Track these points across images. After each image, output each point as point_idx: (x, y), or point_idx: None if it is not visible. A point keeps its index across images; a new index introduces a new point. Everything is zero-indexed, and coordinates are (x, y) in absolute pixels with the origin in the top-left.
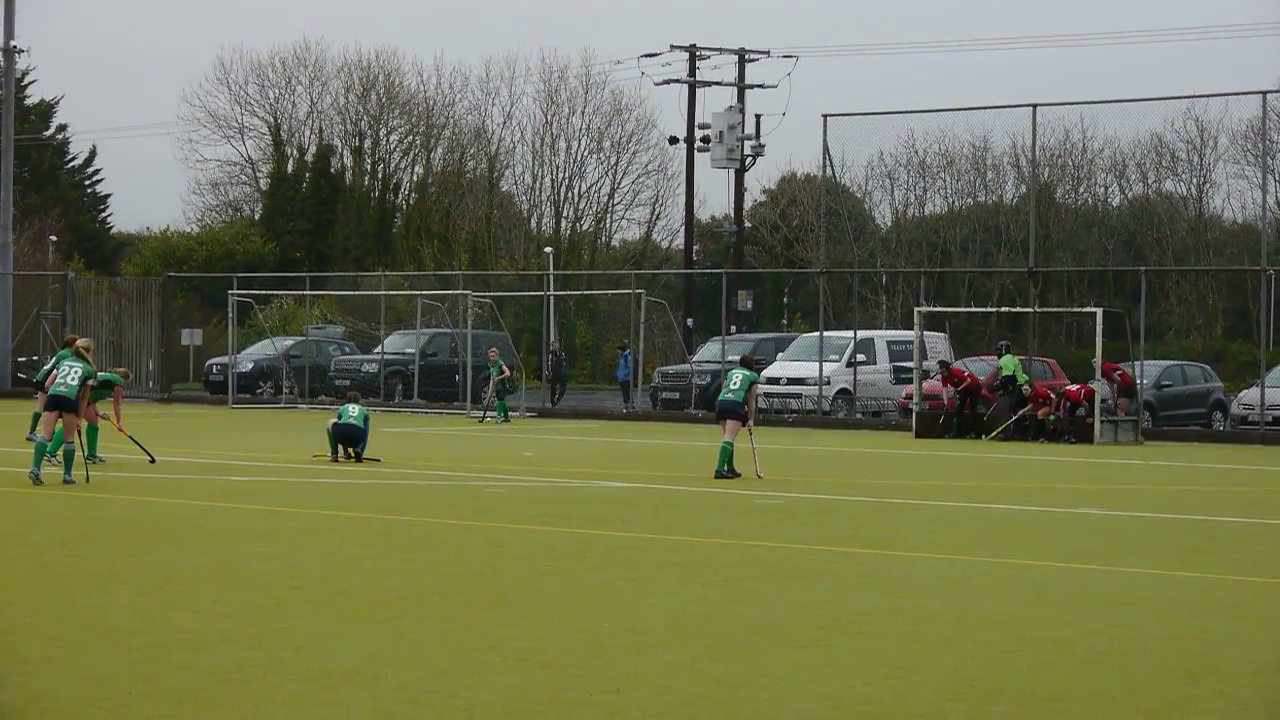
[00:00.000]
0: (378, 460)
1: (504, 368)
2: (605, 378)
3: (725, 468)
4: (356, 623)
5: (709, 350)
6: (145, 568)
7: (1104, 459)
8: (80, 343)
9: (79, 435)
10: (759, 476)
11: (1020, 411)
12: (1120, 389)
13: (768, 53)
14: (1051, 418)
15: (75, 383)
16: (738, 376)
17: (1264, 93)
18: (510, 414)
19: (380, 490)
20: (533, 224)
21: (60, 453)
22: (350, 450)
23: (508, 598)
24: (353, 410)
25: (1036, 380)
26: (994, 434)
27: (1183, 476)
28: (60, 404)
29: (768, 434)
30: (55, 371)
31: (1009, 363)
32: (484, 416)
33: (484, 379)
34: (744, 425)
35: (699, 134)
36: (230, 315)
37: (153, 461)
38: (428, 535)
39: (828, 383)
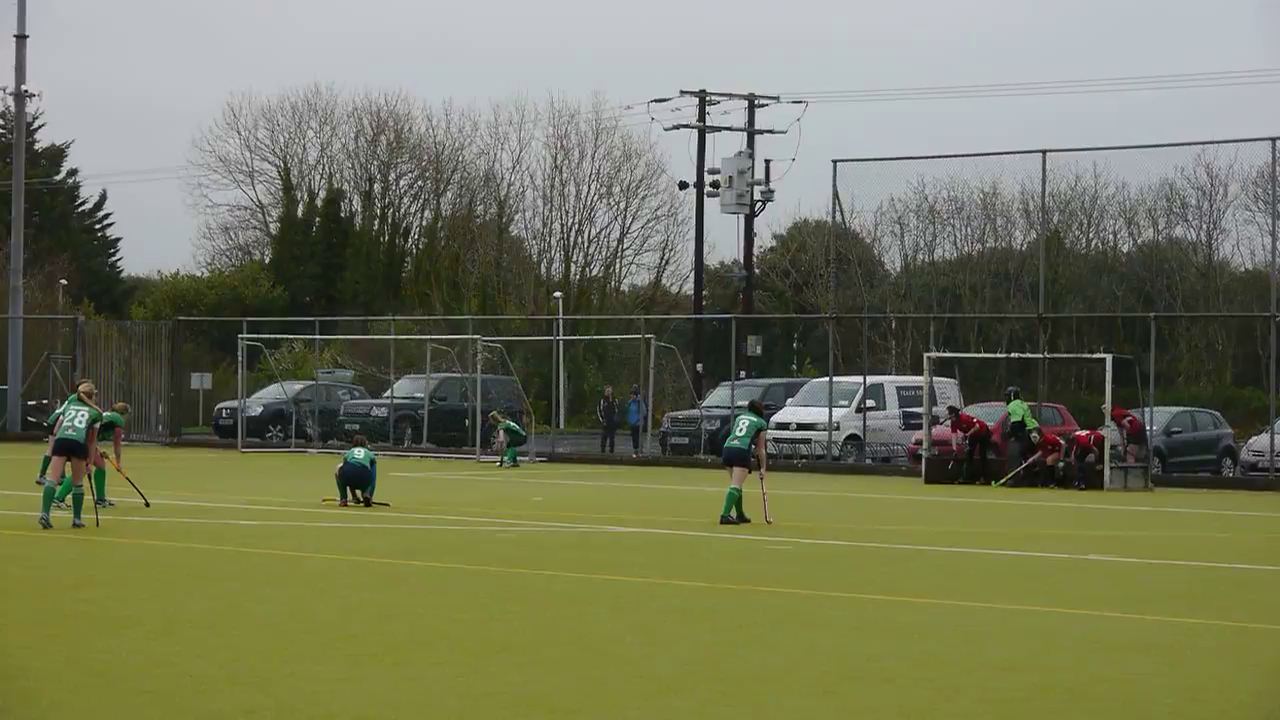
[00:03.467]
0: (386, 505)
1: (503, 421)
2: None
3: (732, 513)
4: (365, 667)
5: (718, 395)
6: (154, 612)
7: (1114, 505)
8: (82, 388)
9: (88, 479)
10: (769, 521)
11: (1030, 459)
12: (1130, 435)
13: (777, 98)
14: (1061, 464)
15: (82, 426)
16: (744, 423)
17: (1274, 139)
18: (519, 459)
19: (389, 535)
20: (542, 269)
21: (69, 497)
22: (358, 494)
23: (516, 643)
24: (358, 453)
25: (1045, 426)
26: (1004, 480)
27: (1193, 523)
28: (68, 448)
29: (777, 479)
30: (63, 416)
31: (1018, 408)
32: (514, 465)
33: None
34: (750, 471)
35: (708, 179)
36: (240, 359)
37: (147, 505)
38: (437, 580)
39: (837, 428)
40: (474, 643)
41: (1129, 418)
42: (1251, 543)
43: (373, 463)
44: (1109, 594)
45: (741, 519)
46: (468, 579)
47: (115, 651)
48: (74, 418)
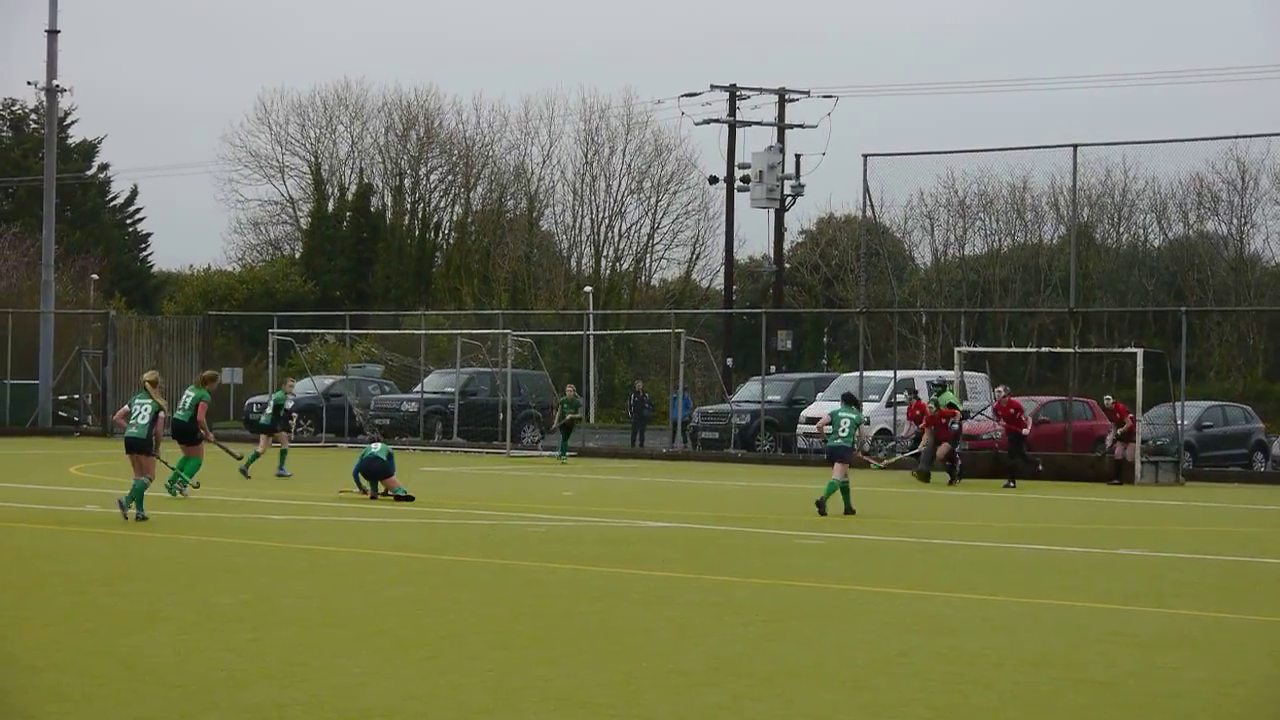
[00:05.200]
0: (411, 499)
1: (578, 407)
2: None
3: (826, 501)
4: (395, 662)
5: (749, 390)
6: (184, 606)
7: (1144, 500)
8: (147, 377)
9: (175, 465)
10: (851, 512)
11: (916, 449)
12: (1126, 433)
13: (808, 93)
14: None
15: (145, 422)
16: (845, 421)
17: None
18: (568, 454)
19: (419, 529)
20: (572, 263)
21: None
22: (381, 488)
23: (547, 637)
24: (374, 447)
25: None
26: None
27: (1223, 518)
28: (131, 446)
29: (807, 474)
30: (129, 409)
31: (947, 399)
32: (564, 458)
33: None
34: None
35: (739, 174)
36: (270, 354)
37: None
38: (467, 574)
39: (867, 422)
40: (504, 636)
41: (1130, 416)
42: None
43: (390, 456)
44: (1139, 588)
45: (849, 510)
46: (498, 573)
47: (145, 646)
48: (137, 414)
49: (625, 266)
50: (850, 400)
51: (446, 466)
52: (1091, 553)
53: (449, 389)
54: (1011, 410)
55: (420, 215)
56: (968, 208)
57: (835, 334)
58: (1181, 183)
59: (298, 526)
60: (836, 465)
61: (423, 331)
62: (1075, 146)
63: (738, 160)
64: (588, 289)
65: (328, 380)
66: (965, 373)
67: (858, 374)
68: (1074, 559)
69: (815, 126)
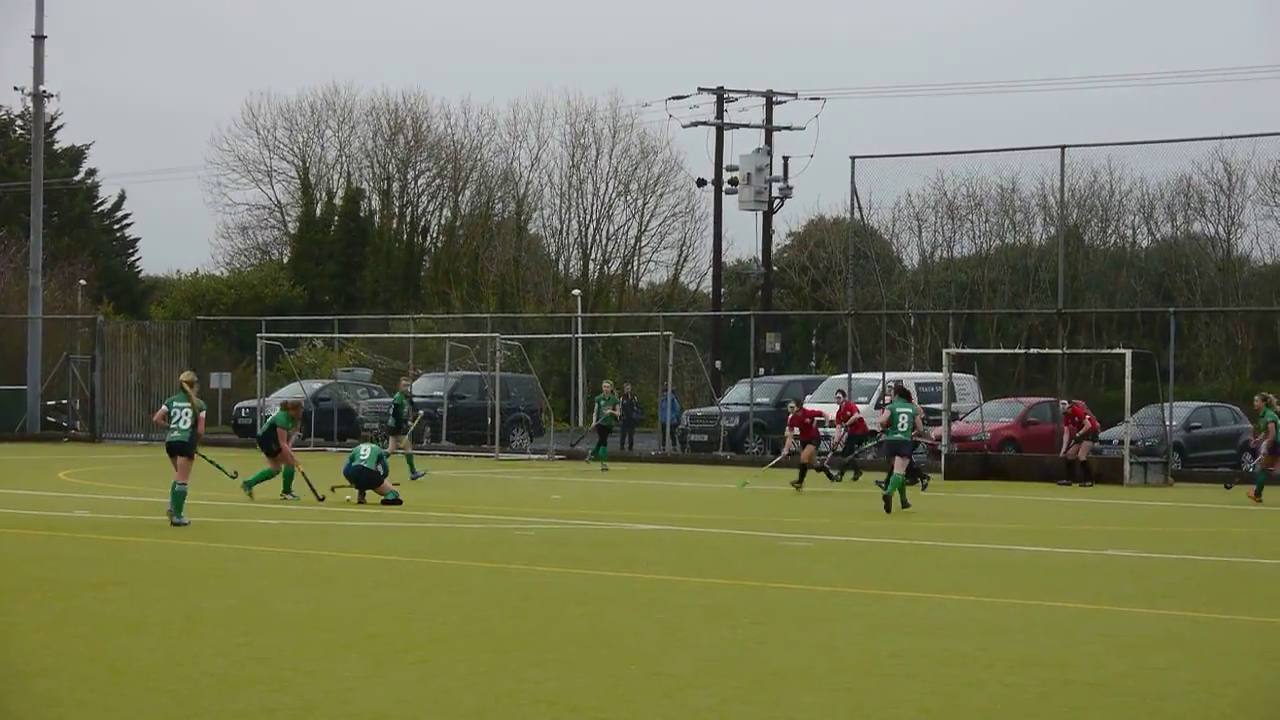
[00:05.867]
0: (399, 503)
1: (616, 404)
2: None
3: (902, 492)
4: (385, 666)
5: (737, 393)
6: (173, 611)
7: (1133, 500)
8: (184, 378)
9: (201, 470)
10: (907, 506)
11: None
12: (1085, 433)
13: (795, 95)
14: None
15: (187, 426)
16: (904, 417)
17: None
18: (601, 460)
19: (408, 533)
20: (560, 266)
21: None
22: (375, 494)
23: (536, 641)
24: (364, 452)
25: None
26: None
27: (1212, 518)
28: (173, 449)
29: (785, 479)
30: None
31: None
32: (598, 463)
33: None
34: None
35: (726, 176)
36: (259, 358)
37: (321, 500)
38: (456, 578)
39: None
40: (494, 640)
41: (1089, 418)
42: (1273, 537)
43: (380, 459)
44: (1129, 589)
45: (905, 504)
46: (487, 576)
47: (135, 651)
48: (178, 418)
49: (613, 269)
50: (904, 393)
51: (435, 470)
52: (1081, 554)
53: (437, 393)
54: (848, 413)
55: (408, 219)
56: (956, 209)
57: (824, 336)
58: (1169, 184)
59: (286, 531)
60: (896, 460)
61: (411, 335)
62: (1063, 148)
63: (725, 162)
64: (576, 292)
65: (316, 384)
66: (954, 374)
67: (846, 376)
68: (1064, 560)
69: (803, 129)
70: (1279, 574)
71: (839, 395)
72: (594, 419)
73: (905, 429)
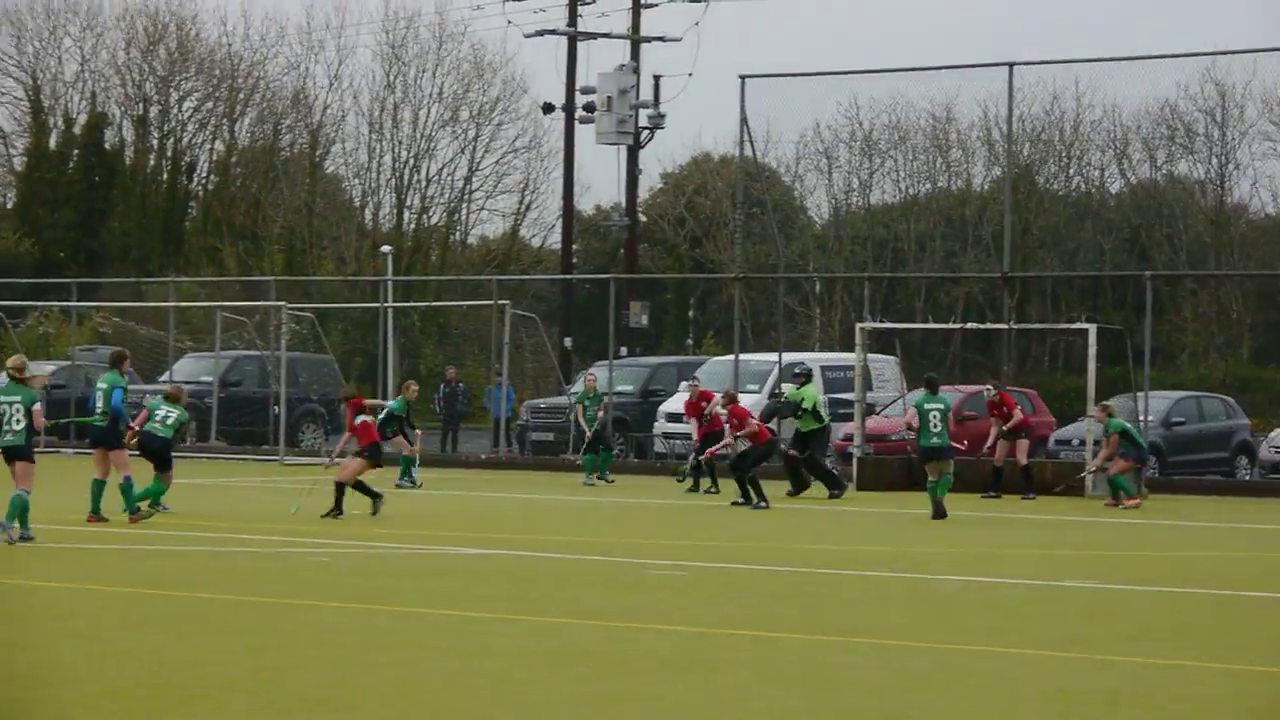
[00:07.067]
0: (148, 515)
1: (603, 400)
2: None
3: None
4: None
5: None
6: None
7: (1098, 517)
8: (11, 364)
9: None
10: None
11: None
12: (1012, 429)
13: None
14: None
15: (21, 426)
16: (936, 415)
17: None
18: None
19: (165, 560)
20: (367, 216)
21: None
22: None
23: (332, 696)
24: (161, 412)
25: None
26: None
27: (1196, 540)
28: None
29: (663, 488)
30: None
31: (809, 394)
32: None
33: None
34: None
35: (581, 101)
36: None
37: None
38: (229, 617)
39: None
40: (277, 695)
41: (1019, 409)
42: (1270, 564)
43: (177, 431)
44: (1086, 630)
45: (941, 514)
46: (269, 615)
47: None
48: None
49: (435, 220)
50: (933, 385)
51: (202, 478)
52: (1029, 585)
53: (206, 377)
54: (704, 405)
55: (170, 154)
56: (875, 145)
57: (704, 306)
58: (1148, 113)
59: (25, 554)
60: (931, 466)
61: (172, 303)
62: (1011, 65)
63: (580, 84)
64: (386, 248)
65: (49, 366)
66: (871, 356)
67: (732, 358)
68: (1008, 593)
69: (679, 40)
70: (1274, 610)
71: (692, 383)
72: (579, 424)
73: (941, 430)
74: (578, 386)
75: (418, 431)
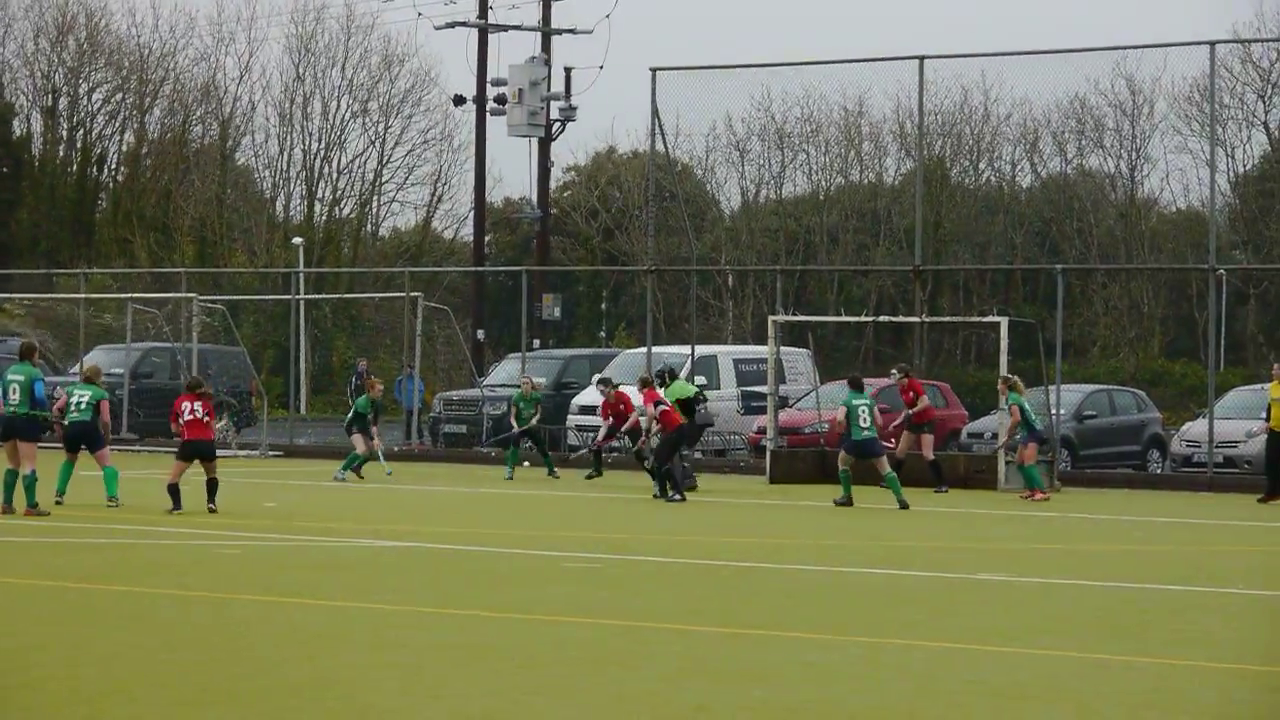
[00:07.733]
0: (46, 513)
1: (538, 405)
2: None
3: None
4: None
5: (505, 371)
6: None
7: (1009, 511)
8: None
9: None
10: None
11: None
12: (916, 423)
13: None
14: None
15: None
16: (864, 410)
17: (1211, 43)
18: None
19: (79, 553)
20: (278, 208)
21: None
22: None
23: (242, 690)
24: (79, 394)
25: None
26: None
27: (1109, 533)
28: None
29: (573, 482)
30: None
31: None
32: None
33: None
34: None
35: (492, 93)
36: None
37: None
38: (138, 610)
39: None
40: (185, 691)
41: (923, 398)
42: (1183, 557)
43: (96, 409)
44: (1003, 623)
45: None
46: (179, 608)
47: None
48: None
49: (346, 211)
50: (857, 383)
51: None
52: (945, 578)
53: (117, 370)
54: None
55: (79, 145)
56: (787, 137)
57: (617, 299)
58: (1059, 107)
59: None
60: (877, 463)
61: (82, 295)
62: (921, 59)
63: (490, 76)
64: (297, 240)
65: None
66: (783, 349)
67: (645, 350)
68: (920, 586)
69: (590, 32)
70: (1188, 603)
71: (609, 385)
72: (515, 423)
73: (870, 425)
74: (493, 379)
75: (375, 428)
